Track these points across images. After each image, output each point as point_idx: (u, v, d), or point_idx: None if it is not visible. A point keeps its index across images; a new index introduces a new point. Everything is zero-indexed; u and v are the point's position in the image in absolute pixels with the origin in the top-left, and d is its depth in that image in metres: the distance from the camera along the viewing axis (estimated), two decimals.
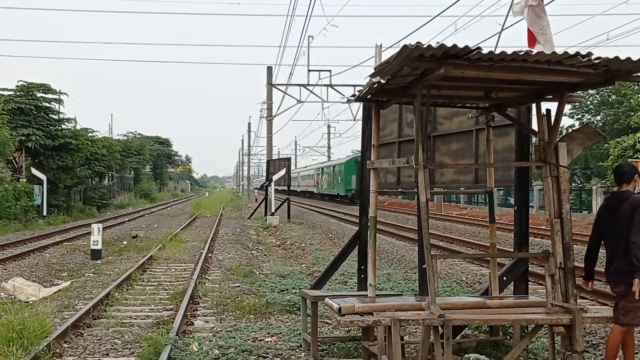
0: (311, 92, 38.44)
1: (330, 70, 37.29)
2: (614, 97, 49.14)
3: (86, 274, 16.08)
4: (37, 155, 37.23)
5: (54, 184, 37.11)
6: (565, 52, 5.62)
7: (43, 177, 34.99)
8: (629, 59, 5.68)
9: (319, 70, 37.38)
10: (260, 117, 67.83)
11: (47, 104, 38.72)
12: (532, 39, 7.46)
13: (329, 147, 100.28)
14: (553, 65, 5.81)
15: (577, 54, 5.63)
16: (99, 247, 19.07)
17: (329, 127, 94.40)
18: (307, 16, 33.81)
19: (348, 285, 13.46)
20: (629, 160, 31.07)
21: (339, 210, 46.57)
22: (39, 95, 38.41)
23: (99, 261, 18.51)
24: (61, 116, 40.01)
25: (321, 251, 20.38)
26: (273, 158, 44.95)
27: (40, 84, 38.51)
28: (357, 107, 39.28)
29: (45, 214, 34.34)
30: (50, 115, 38.76)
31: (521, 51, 5.52)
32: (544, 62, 5.73)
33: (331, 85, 37.54)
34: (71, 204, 40.53)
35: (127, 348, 8.97)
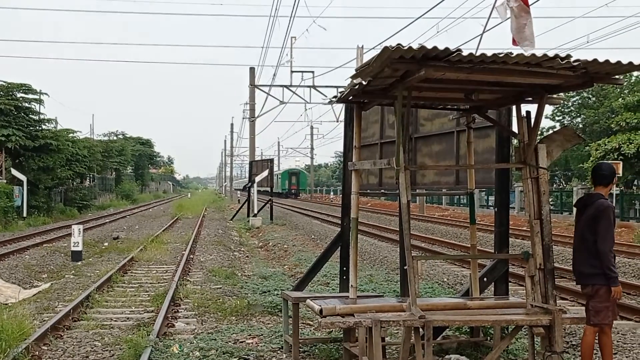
0: (294, 93, 38.44)
1: (313, 72, 37.33)
2: (593, 99, 49.54)
3: (66, 276, 15.97)
4: (17, 156, 36.92)
5: (34, 185, 36.80)
6: (545, 55, 5.65)
7: (23, 178, 34.70)
8: (607, 61, 5.72)
9: (302, 72, 37.39)
10: (243, 118, 67.67)
11: (27, 105, 38.39)
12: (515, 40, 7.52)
13: (312, 149, 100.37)
14: (532, 68, 5.84)
15: (557, 56, 5.66)
16: (79, 248, 18.95)
17: (311, 128, 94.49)
18: (290, 17, 33.85)
19: (330, 286, 13.47)
20: (611, 162, 31.31)
21: (321, 212, 46.62)
22: (19, 95, 38.06)
23: (79, 263, 18.39)
24: (42, 117, 39.74)
25: (304, 252, 20.39)
26: (256, 159, 44.88)
27: (21, 84, 38.17)
28: (340, 108, 39.34)
29: (25, 215, 34.05)
30: (31, 116, 38.44)
31: (501, 53, 5.55)
32: (523, 64, 5.76)
33: (314, 87, 37.55)
34: (52, 205, 40.22)
35: (107, 350, 8.91)
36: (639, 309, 11.48)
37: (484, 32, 8.83)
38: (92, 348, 9.01)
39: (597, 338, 6.90)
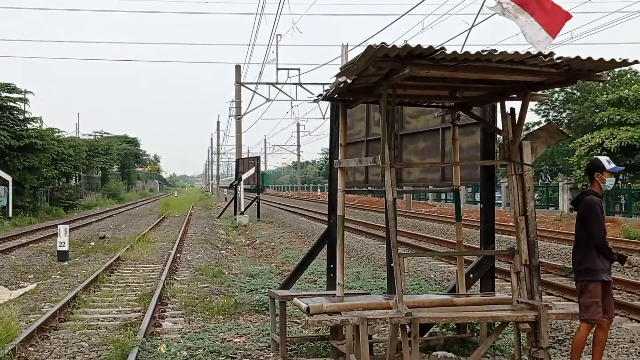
0: (280, 90, 38.40)
1: (299, 69, 37.32)
2: (578, 94, 49.80)
3: (53, 276, 15.89)
4: (2, 156, 36.66)
5: (19, 185, 36.58)
6: (528, 52, 5.68)
7: (8, 178, 34.49)
8: (589, 58, 5.75)
9: (288, 69, 37.38)
10: (230, 116, 67.74)
11: (12, 104, 38.15)
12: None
13: (298, 146, 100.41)
14: (516, 65, 5.87)
15: (540, 53, 5.69)
16: (65, 248, 18.87)
17: (298, 125, 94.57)
18: (276, 14, 33.75)
19: (317, 284, 13.48)
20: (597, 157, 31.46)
21: (308, 209, 46.63)
22: (3, 95, 37.80)
23: (65, 263, 18.30)
24: (27, 116, 39.48)
25: (291, 250, 20.39)
26: (242, 157, 44.83)
27: (5, 84, 37.92)
28: (326, 105, 39.33)
29: (10, 215, 33.84)
30: (16, 115, 38.20)
31: (484, 51, 5.56)
32: (506, 61, 5.79)
33: (300, 84, 37.54)
34: (37, 204, 40.00)
35: (94, 351, 8.88)
36: (624, 304, 11.57)
37: (472, 27, 8.85)
38: (79, 349, 8.97)
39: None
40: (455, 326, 8.64)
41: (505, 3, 7.23)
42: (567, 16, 7.03)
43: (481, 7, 7.85)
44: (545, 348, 6.50)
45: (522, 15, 7.32)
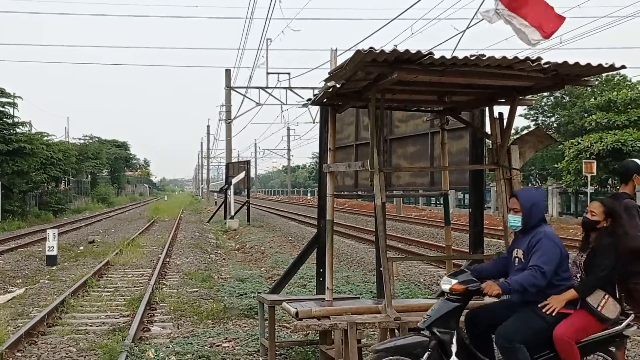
0: (270, 94, 38.33)
1: (289, 73, 37.18)
2: (567, 98, 50.01)
3: (41, 281, 15.81)
4: None
5: (8, 189, 36.39)
6: (516, 57, 5.70)
7: None
8: (577, 63, 5.78)
9: (278, 73, 37.28)
10: (220, 120, 67.54)
11: (0, 108, 37.98)
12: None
13: (288, 150, 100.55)
14: (504, 70, 5.89)
15: (527, 58, 5.71)
16: (54, 253, 18.77)
17: (288, 129, 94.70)
18: (266, 19, 33.57)
19: (307, 288, 13.46)
20: (584, 161, 31.59)
21: (298, 213, 46.63)
22: None
23: (54, 267, 18.21)
24: (16, 120, 39.30)
25: (281, 254, 20.36)
26: (232, 161, 44.78)
27: None
28: (316, 109, 39.33)
29: None
30: (4, 119, 38.01)
31: (473, 56, 5.58)
32: (494, 66, 5.80)
33: (290, 88, 37.47)
34: (26, 209, 39.78)
35: (82, 356, 8.85)
36: None
37: (465, 30, 8.87)
38: (67, 354, 8.94)
39: None
40: None
41: (501, 9, 7.24)
42: (561, 19, 7.05)
43: (475, 13, 7.86)
44: None
45: (516, 20, 7.33)
